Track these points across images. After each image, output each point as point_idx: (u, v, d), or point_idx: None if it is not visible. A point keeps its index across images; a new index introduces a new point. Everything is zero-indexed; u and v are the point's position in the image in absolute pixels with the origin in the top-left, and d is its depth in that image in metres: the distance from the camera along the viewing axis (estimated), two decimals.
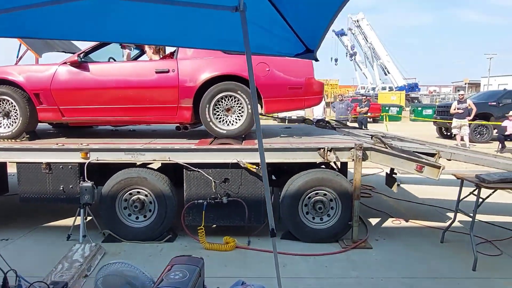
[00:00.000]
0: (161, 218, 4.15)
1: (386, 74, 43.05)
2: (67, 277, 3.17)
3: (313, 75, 4.44)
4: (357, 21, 42.34)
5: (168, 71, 4.29)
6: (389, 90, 38.42)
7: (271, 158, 4.07)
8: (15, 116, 4.33)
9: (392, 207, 5.61)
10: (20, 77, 4.25)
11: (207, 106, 4.33)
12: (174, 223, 4.28)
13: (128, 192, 4.17)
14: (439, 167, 4.03)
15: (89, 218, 4.21)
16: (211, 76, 4.26)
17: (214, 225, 4.36)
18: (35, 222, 4.72)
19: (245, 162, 4.01)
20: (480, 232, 4.38)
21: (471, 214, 3.69)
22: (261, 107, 4.43)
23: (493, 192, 3.61)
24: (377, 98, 34.65)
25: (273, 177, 4.81)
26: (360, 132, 5.69)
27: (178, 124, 4.63)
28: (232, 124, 4.43)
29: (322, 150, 4.04)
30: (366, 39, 42.98)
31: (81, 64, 4.28)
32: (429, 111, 23.11)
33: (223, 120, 4.43)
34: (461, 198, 3.97)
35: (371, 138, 4.45)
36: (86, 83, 4.28)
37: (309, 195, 4.18)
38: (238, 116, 4.42)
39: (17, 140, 4.32)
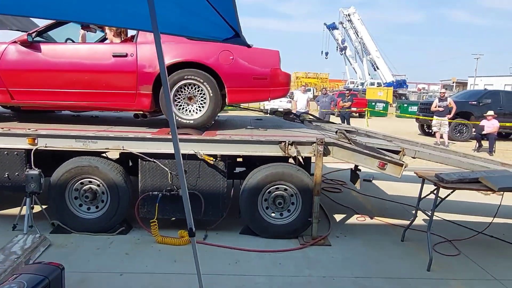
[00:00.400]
0: (113, 209, 3.97)
1: (375, 70, 43.15)
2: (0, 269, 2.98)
3: (279, 65, 4.27)
4: (349, 15, 42.19)
5: (126, 55, 4.07)
6: (377, 86, 38.55)
7: (230, 150, 3.92)
8: None
9: (360, 203, 5.54)
10: None
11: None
12: (129, 215, 4.11)
13: (79, 182, 3.97)
14: (401, 165, 3.94)
15: (38, 207, 4.02)
16: (171, 63, 4.05)
17: (173, 218, 4.20)
18: None
19: (203, 153, 3.84)
20: (442, 231, 4.34)
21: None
22: (224, 97, 4.25)
23: (451, 192, 3.53)
24: (365, 93, 34.77)
25: (236, 170, 4.66)
26: (331, 126, 5.57)
27: (137, 112, 4.42)
28: (195, 113, 4.25)
29: (283, 143, 3.90)
30: (356, 33, 42.90)
31: (32, 44, 4.02)
32: (414, 108, 23.12)
33: (184, 109, 4.24)
34: (422, 196, 3.89)
35: (335, 133, 4.32)
36: (37, 65, 4.03)
37: (269, 189, 4.05)
38: (200, 106, 4.23)
39: None
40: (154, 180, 3.95)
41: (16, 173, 3.87)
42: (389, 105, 27.67)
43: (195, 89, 4.18)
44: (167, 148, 3.90)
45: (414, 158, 4.45)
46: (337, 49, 46.63)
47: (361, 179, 4.51)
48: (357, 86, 41.44)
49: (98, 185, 3.98)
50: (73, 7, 1.70)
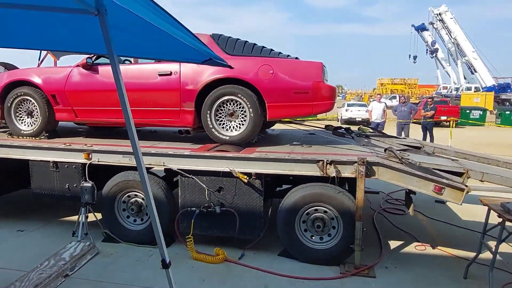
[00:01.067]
0: None
1: (472, 73, 38.55)
2: (45, 274, 3.28)
3: (322, 78, 4.01)
4: (440, 14, 38.54)
5: (170, 74, 4.23)
6: (474, 91, 34.37)
7: (265, 168, 3.77)
8: (37, 115, 4.66)
9: (424, 229, 4.88)
10: (39, 79, 4.56)
11: (209, 110, 4.18)
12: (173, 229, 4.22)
13: (127, 195, 4.22)
14: (462, 190, 3.34)
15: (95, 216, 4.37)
16: (211, 79, 4.10)
17: (211, 235, 4.20)
18: (52, 216, 5.06)
19: (237, 171, 3.77)
20: None
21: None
22: (265, 112, 4.13)
23: None
24: (459, 100, 31.26)
25: (282, 187, 4.48)
26: (390, 141, 5.04)
27: (181, 129, 4.55)
28: (235, 130, 4.21)
29: (321, 163, 3.62)
30: (449, 34, 38.93)
31: (91, 66, 4.44)
32: None
33: (226, 125, 4.24)
34: (490, 227, 3.25)
35: (384, 151, 3.87)
36: (94, 85, 4.43)
37: (307, 211, 3.79)
38: (240, 122, 4.19)
39: (36, 138, 4.64)
40: (193, 196, 3.99)
41: (75, 185, 4.27)
42: (487, 113, 24.34)
43: (236, 105, 4.15)
44: (204, 165, 3.92)
45: (482, 181, 3.75)
46: (427, 52, 42.90)
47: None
48: (451, 92, 37.49)
49: (143, 199, 4.18)
50: (38, 37, 1.78)
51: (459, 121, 20.93)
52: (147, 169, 4.22)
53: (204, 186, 3.91)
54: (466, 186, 3.43)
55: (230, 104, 4.16)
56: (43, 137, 4.67)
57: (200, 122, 4.34)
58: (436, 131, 13.03)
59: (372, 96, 14.62)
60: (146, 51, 1.69)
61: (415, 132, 13.34)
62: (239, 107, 4.15)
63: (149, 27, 1.41)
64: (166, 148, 4.12)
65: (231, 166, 3.82)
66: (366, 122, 19.45)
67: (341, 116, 21.86)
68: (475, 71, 37.76)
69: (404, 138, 5.82)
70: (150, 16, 1.39)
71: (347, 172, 3.61)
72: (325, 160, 3.60)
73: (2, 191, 4.92)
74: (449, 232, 4.76)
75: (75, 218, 4.96)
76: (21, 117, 4.78)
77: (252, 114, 4.09)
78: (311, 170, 3.69)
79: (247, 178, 3.75)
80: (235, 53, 4.19)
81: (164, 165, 4.01)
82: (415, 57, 43.91)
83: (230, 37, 4.36)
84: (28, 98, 4.64)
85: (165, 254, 2.10)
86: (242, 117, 4.16)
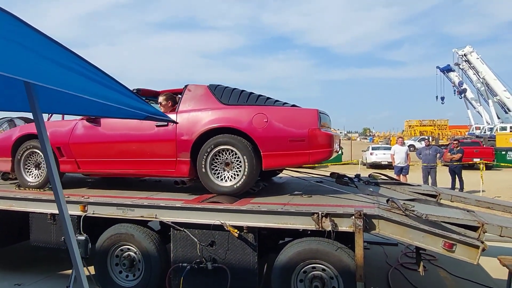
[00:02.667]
0: (146, 279, 3.93)
1: (506, 112, 37.02)
2: None
3: (318, 125, 3.87)
4: (465, 55, 38.12)
5: (167, 125, 4.24)
6: (510, 131, 32.73)
7: (257, 221, 3.56)
8: (43, 167, 4.77)
9: None
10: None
11: (204, 160, 4.10)
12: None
13: (119, 248, 4.10)
14: (477, 247, 2.97)
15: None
16: (205, 129, 4.06)
17: None
18: (51, 269, 4.99)
19: (228, 224, 3.58)
20: None
21: None
22: (261, 161, 4.00)
23: None
24: (494, 140, 29.77)
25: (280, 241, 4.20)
26: (402, 190, 4.70)
27: (177, 179, 4.47)
28: (229, 180, 4.08)
29: (315, 215, 3.37)
30: (477, 74, 38.16)
31: (94, 119, 4.55)
32: None
33: (221, 175, 4.12)
34: None
35: (386, 201, 3.57)
36: (95, 137, 4.51)
37: (304, 268, 3.49)
38: (236, 172, 4.06)
39: (41, 189, 4.71)
40: (185, 250, 3.81)
41: None
42: None
43: (231, 155, 4.05)
44: (196, 217, 3.77)
45: (501, 236, 3.33)
46: (455, 93, 42.00)
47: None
48: (485, 132, 35.90)
49: (135, 253, 4.04)
50: None
51: (493, 163, 19.74)
52: (139, 221, 4.12)
53: (196, 240, 3.73)
54: (482, 242, 3.05)
55: (225, 154, 4.08)
56: (47, 188, 4.74)
57: (196, 173, 4.25)
58: (468, 174, 12.30)
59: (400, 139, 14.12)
60: (77, 108, 1.66)
61: (444, 176, 12.62)
62: (234, 157, 4.05)
63: (78, 98, 1.37)
64: (159, 200, 4.03)
65: (222, 218, 3.64)
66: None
67: (366, 160, 21.26)
68: (509, 110, 36.27)
69: (418, 185, 5.43)
70: (81, 81, 1.34)
71: (344, 225, 3.33)
72: (319, 212, 3.36)
73: (7, 243, 4.94)
74: None
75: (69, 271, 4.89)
76: (29, 169, 4.91)
77: (247, 164, 3.96)
78: (306, 224, 3.44)
79: (238, 232, 3.54)
80: (230, 102, 4.17)
81: (156, 218, 3.89)
82: (442, 98, 43.10)
83: (227, 87, 4.38)
84: (36, 151, 4.78)
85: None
86: (237, 167, 4.04)
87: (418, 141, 33.95)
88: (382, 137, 52.78)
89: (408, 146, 15.31)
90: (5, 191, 4.78)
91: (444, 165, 18.30)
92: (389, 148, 21.97)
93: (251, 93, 4.35)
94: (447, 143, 24.84)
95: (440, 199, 4.48)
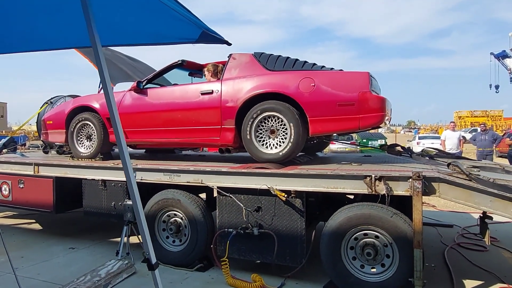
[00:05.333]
0: (192, 244, 3.95)
1: None
2: None
3: (369, 88, 3.64)
4: None
5: (212, 92, 4.21)
6: None
7: (305, 185, 3.44)
8: (94, 138, 4.94)
9: (511, 269, 3.98)
10: (97, 104, 4.87)
11: (249, 127, 4.02)
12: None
13: (166, 214, 4.15)
14: None
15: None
16: (250, 95, 3.98)
17: (249, 259, 3.88)
18: (103, 236, 5.19)
19: (275, 188, 3.48)
20: None
21: None
22: (307, 128, 3.85)
23: None
24: None
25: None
26: (464, 162, 4.33)
27: (222, 147, 4.44)
28: (275, 147, 3.97)
29: (368, 178, 3.18)
30: None
31: (141, 90, 4.63)
32: None
33: (267, 143, 4.02)
34: None
35: (447, 166, 3.29)
36: (142, 107, 4.58)
37: (355, 235, 3.31)
38: (282, 139, 3.94)
39: (92, 160, 4.89)
40: (230, 216, 3.77)
41: (120, 203, 4.33)
42: None
43: (277, 121, 3.94)
44: (242, 182, 3.71)
45: None
46: (510, 81, 38.97)
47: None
48: None
49: (182, 218, 4.06)
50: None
51: None
52: (186, 187, 4.12)
53: (242, 205, 3.68)
54: None
55: (270, 120, 3.97)
56: (98, 159, 4.90)
57: (241, 141, 4.19)
58: None
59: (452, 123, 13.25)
60: (135, 36, 1.61)
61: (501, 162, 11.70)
62: (280, 124, 3.93)
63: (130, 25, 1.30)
64: (205, 166, 4.01)
65: (269, 183, 3.55)
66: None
67: (412, 147, 20.28)
68: None
69: (479, 161, 5.01)
70: None
71: (400, 189, 3.11)
72: (373, 175, 3.16)
73: (63, 209, 5.17)
74: None
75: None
76: (81, 140, 5.11)
77: (293, 130, 3.83)
78: (358, 188, 3.26)
79: (286, 196, 3.43)
80: (276, 68, 4.05)
81: (201, 183, 3.88)
82: (497, 87, 40.16)
83: (271, 54, 4.26)
84: (88, 122, 4.96)
85: (151, 254, 1.89)
86: (283, 134, 3.92)
87: (469, 133, 31.86)
88: (429, 129, 50.12)
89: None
90: (60, 160, 5.01)
91: (500, 156, 17.01)
92: (438, 137, 20.83)
93: (297, 59, 4.20)
94: (502, 134, 23.11)
95: (503, 168, 4.06)
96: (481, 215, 3.44)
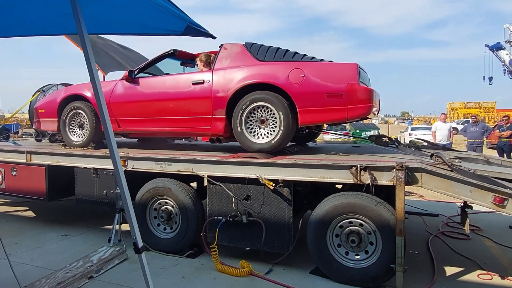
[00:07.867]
0: (183, 231, 4.04)
1: None
2: (71, 274, 3.32)
3: (357, 80, 3.71)
4: None
5: (203, 82, 4.25)
6: None
7: (292, 175, 3.52)
8: (86, 127, 4.96)
9: (492, 257, 4.13)
10: (89, 92, 4.88)
11: (239, 117, 4.07)
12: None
13: (158, 202, 4.22)
14: None
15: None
16: (241, 85, 4.02)
17: (238, 246, 3.98)
18: (95, 224, 5.27)
19: (264, 178, 3.56)
20: None
21: None
22: (297, 118, 3.92)
23: None
24: None
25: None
26: (450, 154, 4.44)
27: (213, 137, 4.49)
28: (266, 137, 4.04)
29: (354, 168, 3.27)
30: None
31: (133, 79, 4.65)
32: None
33: (256, 133, 4.09)
34: None
35: (430, 157, 3.39)
36: (134, 96, 4.61)
37: (340, 223, 3.42)
38: (271, 129, 4.01)
39: (85, 148, 4.92)
40: (220, 204, 3.85)
41: (111, 191, 4.39)
42: None
43: (266, 111, 4.00)
44: (231, 171, 3.79)
45: None
46: (504, 73, 39.22)
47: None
48: None
49: (172, 206, 4.14)
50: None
51: None
52: (177, 175, 4.19)
53: (231, 194, 3.76)
54: None
55: (260, 111, 4.03)
56: (90, 147, 4.94)
57: (232, 131, 4.25)
58: None
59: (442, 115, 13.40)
60: (122, 25, 1.65)
61: (491, 154, 11.89)
62: (270, 114, 3.99)
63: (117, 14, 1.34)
64: (196, 155, 4.07)
65: (257, 172, 3.63)
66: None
67: (405, 141, 20.49)
68: None
69: (465, 152, 5.13)
70: None
71: (384, 179, 3.20)
72: (358, 165, 3.25)
73: (56, 197, 5.21)
74: None
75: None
76: (73, 129, 5.13)
77: (283, 120, 3.89)
78: (344, 177, 3.35)
79: (274, 185, 3.52)
80: (266, 59, 4.09)
81: (192, 172, 3.95)
82: (490, 79, 40.41)
83: (262, 45, 4.29)
84: (80, 111, 4.98)
85: (137, 238, 1.97)
86: (273, 124, 3.99)
87: (461, 124, 32.16)
88: (422, 120, 50.46)
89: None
90: (53, 149, 5.04)
91: (490, 148, 17.24)
92: (429, 128, 21.03)
93: (287, 50, 4.24)
94: (494, 125, 23.37)
95: (484, 159, 4.19)
96: (462, 204, 3.55)
